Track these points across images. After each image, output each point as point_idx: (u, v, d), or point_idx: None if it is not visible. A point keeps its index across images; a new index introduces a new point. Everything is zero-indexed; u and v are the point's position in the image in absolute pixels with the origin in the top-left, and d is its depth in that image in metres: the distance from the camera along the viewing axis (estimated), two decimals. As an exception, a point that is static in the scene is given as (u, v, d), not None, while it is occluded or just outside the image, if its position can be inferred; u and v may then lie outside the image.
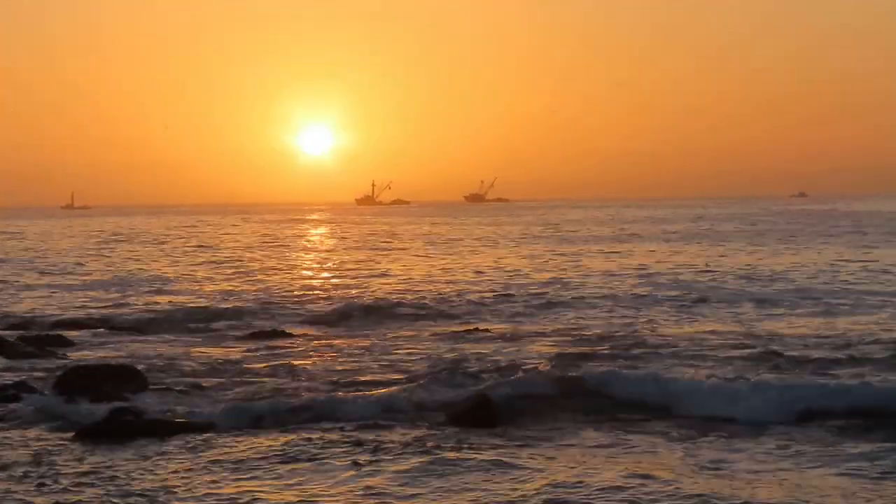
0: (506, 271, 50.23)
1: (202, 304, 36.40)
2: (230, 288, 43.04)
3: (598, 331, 27.95)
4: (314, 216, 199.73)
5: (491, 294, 38.53)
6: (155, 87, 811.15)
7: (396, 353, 24.62)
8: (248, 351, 25.43)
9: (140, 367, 21.66)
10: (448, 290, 40.64)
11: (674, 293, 37.44)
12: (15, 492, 13.08)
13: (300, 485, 13.29)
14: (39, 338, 27.24)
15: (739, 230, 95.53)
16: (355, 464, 14.00)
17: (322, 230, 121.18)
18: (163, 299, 38.71)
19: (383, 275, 49.63)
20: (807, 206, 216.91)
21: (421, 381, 19.18)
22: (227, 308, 34.97)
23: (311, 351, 25.63)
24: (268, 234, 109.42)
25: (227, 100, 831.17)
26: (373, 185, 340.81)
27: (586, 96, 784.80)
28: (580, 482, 13.01)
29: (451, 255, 65.47)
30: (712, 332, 27.33)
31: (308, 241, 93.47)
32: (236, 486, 13.27)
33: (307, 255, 69.25)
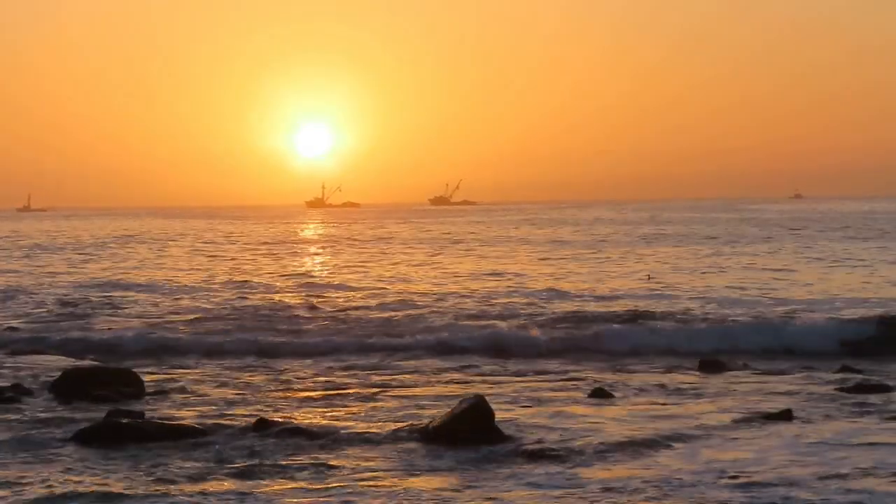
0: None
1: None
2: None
3: None
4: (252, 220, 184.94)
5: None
6: (125, 86, 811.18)
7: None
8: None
9: (138, 370, 21.60)
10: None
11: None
12: (11, 496, 12.95)
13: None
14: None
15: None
16: None
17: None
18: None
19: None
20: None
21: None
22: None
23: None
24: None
25: (197, 100, 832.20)
26: (322, 187, 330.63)
27: (561, 99, 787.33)
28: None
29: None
30: None
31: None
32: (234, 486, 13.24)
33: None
